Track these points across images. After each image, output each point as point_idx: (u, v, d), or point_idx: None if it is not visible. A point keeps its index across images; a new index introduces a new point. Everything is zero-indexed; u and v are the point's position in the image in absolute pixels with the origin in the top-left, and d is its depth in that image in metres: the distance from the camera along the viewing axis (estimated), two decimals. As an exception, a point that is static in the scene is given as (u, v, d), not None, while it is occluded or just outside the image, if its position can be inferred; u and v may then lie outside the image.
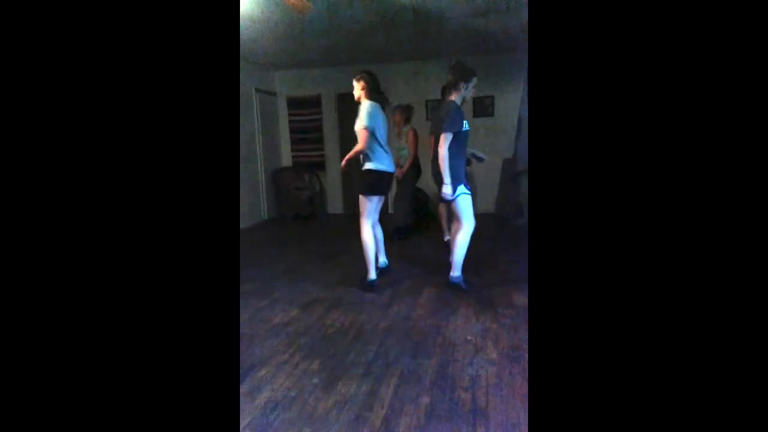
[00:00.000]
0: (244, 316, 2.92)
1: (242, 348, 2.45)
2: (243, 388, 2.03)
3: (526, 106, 5.22)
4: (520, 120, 5.53)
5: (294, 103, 6.98)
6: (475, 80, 3.09)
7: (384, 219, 3.57)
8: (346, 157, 3.21)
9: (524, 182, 5.37)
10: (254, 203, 6.43)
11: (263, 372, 2.18)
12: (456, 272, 3.25)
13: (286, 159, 7.16)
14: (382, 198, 3.34)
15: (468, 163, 3.44)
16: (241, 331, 2.68)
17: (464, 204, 3.10)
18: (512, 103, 6.04)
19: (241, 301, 3.16)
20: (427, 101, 6.43)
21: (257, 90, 6.36)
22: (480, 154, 3.52)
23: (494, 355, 2.28)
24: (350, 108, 6.66)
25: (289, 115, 7.03)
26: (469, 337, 2.50)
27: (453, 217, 3.96)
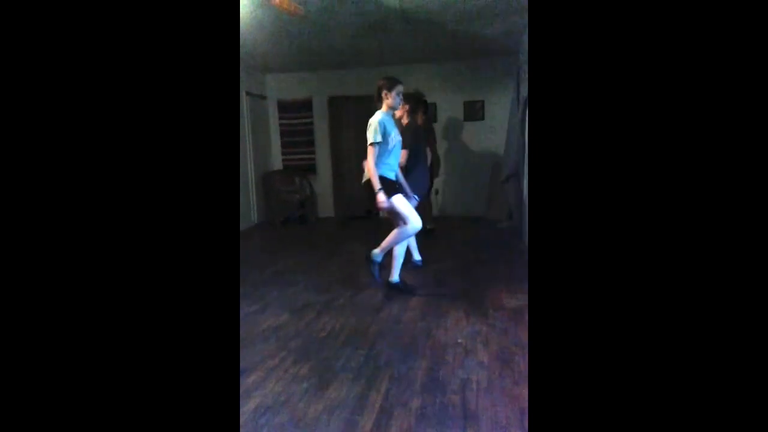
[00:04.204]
0: (233, 321, 2.90)
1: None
2: (232, 393, 2.02)
3: (516, 110, 5.26)
4: (509, 124, 5.57)
5: (285, 107, 6.96)
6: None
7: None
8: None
9: (513, 186, 5.41)
10: (244, 207, 6.40)
11: (253, 377, 2.17)
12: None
13: (277, 163, 7.14)
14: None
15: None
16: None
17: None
18: (502, 107, 6.08)
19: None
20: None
21: (248, 93, 6.33)
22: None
23: (485, 358, 2.28)
24: (341, 112, 6.70)
25: (280, 118, 7.01)
26: (459, 340, 2.50)
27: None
